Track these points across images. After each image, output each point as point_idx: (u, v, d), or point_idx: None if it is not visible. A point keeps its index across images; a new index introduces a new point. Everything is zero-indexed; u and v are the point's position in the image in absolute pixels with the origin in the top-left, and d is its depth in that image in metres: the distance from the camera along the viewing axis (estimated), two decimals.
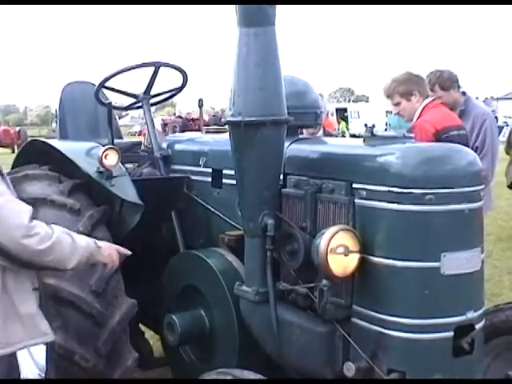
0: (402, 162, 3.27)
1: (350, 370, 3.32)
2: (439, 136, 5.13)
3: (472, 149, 3.61)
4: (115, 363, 4.11)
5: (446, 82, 6.28)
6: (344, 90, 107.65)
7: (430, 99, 5.56)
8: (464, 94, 6.46)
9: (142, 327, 5.30)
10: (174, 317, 4.18)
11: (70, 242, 3.27)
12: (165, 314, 4.28)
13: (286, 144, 3.79)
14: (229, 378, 3.18)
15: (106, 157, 4.41)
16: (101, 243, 3.48)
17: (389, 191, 3.24)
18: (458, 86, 6.40)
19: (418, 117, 5.48)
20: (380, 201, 3.28)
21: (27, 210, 3.21)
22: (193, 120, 35.95)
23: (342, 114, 38.71)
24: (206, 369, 3.53)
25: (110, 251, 3.50)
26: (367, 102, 63.31)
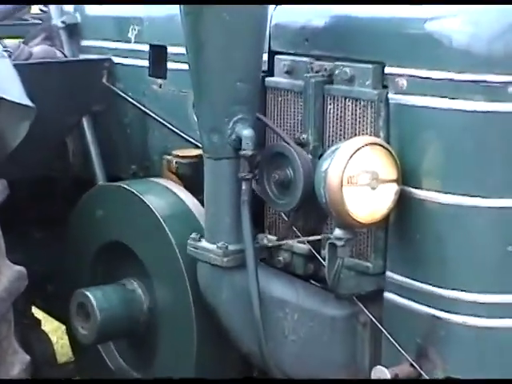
0: (470, 30, 3.17)
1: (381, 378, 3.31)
2: None
3: None
4: None
5: None
6: None
7: None
8: None
9: (39, 313, 5.34)
10: (88, 293, 4.15)
11: None
12: (73, 289, 4.24)
13: (272, 6, 3.74)
14: None
15: None
16: None
17: (447, 79, 3.14)
18: None
19: None
20: (432, 96, 3.19)
21: None
22: None
23: None
24: (142, 379, 3.62)
25: None
26: None
